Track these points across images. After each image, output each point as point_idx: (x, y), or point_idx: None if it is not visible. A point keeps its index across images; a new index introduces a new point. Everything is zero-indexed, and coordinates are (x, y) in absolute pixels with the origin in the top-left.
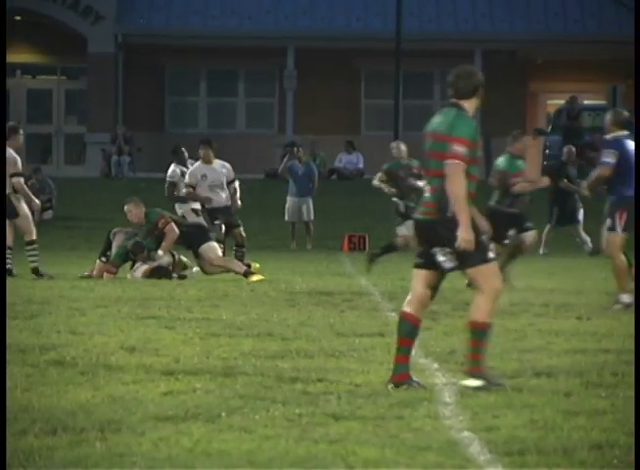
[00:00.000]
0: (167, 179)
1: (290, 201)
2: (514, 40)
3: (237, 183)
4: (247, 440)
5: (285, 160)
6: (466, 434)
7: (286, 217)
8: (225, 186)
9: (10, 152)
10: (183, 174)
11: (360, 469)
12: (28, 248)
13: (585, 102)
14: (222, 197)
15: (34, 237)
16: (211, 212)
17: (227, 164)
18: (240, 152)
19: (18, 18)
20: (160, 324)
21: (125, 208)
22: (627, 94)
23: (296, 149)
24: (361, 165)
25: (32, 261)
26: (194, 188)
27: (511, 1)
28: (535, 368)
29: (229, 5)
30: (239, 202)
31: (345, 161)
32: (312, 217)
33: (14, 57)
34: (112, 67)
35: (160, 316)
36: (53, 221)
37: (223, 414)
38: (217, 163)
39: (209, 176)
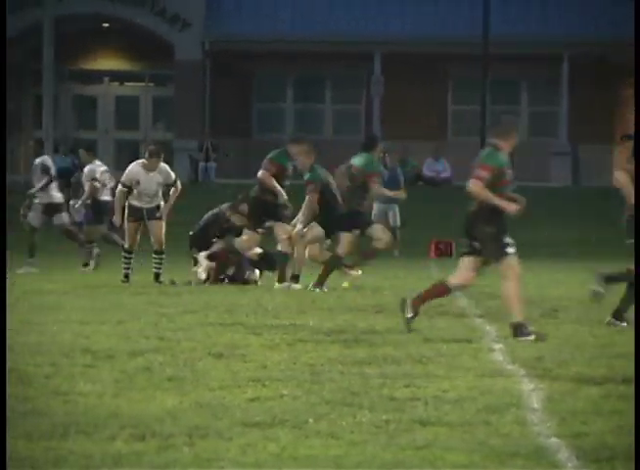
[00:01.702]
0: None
1: (376, 207)
2: (602, 43)
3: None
4: (334, 445)
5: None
6: (554, 440)
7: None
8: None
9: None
10: None
11: None
12: (155, 256)
13: None
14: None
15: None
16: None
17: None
18: (327, 158)
19: (105, 25)
20: (246, 330)
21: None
22: None
23: (381, 155)
24: (448, 173)
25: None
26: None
27: (598, 5)
28: (624, 374)
29: (316, 11)
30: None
31: (432, 168)
32: (399, 223)
33: (102, 64)
34: (199, 73)
35: (246, 323)
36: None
37: (310, 420)
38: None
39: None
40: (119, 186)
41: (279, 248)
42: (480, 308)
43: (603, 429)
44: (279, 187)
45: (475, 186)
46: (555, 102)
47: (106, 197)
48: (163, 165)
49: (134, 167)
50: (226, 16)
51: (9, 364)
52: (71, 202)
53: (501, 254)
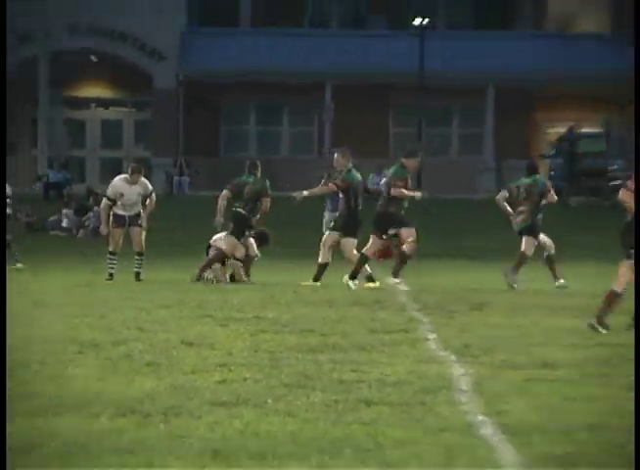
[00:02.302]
0: None
1: (326, 216)
2: (521, 77)
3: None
4: (290, 422)
5: (323, 181)
6: (480, 417)
7: (323, 229)
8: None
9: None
10: None
11: (389, 449)
12: (137, 257)
13: (583, 130)
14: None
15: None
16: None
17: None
18: (284, 174)
19: (93, 58)
20: (214, 322)
21: None
22: (620, 122)
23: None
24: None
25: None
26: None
27: (519, 43)
28: (541, 360)
29: (276, 47)
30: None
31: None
32: None
33: (89, 91)
34: (174, 100)
35: (214, 316)
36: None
37: (270, 400)
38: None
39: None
40: (104, 200)
41: (404, 249)
42: (417, 303)
43: (522, 408)
44: (409, 192)
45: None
46: (481, 125)
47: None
48: (143, 179)
49: (117, 182)
50: (197, 51)
51: (10, 356)
52: (64, 211)
53: None
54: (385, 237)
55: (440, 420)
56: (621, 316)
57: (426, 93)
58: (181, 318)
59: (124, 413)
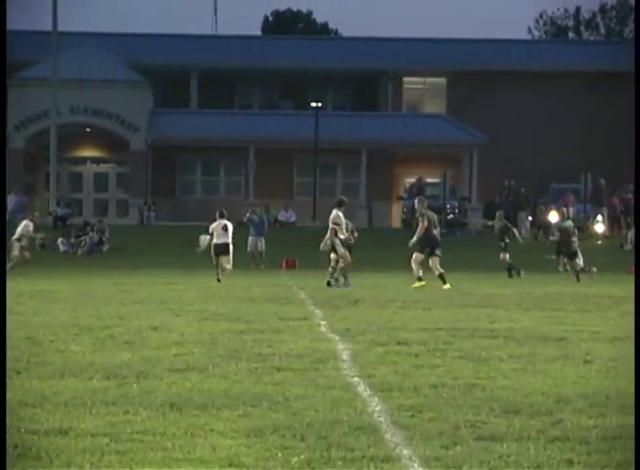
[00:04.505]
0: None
1: (250, 239)
2: (385, 143)
3: None
4: (224, 382)
5: (248, 214)
6: (356, 379)
7: (248, 249)
8: None
9: None
10: None
11: (293, 401)
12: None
13: (428, 180)
14: None
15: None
16: None
17: None
18: (221, 209)
19: (88, 129)
20: (172, 313)
21: None
22: (452, 175)
23: (254, 207)
24: (294, 219)
25: None
26: None
27: (383, 119)
28: (397, 339)
29: (216, 121)
30: None
31: (284, 215)
32: (264, 248)
33: (85, 152)
34: (144, 158)
35: (172, 308)
36: (108, 251)
37: (210, 367)
38: None
39: None
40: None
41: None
42: (312, 299)
43: (385, 372)
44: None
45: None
46: (357, 176)
47: None
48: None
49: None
50: (161, 124)
51: (24, 334)
52: (59, 239)
53: None
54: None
55: (329, 381)
56: (452, 307)
57: (319, 154)
58: (149, 310)
59: (109, 376)
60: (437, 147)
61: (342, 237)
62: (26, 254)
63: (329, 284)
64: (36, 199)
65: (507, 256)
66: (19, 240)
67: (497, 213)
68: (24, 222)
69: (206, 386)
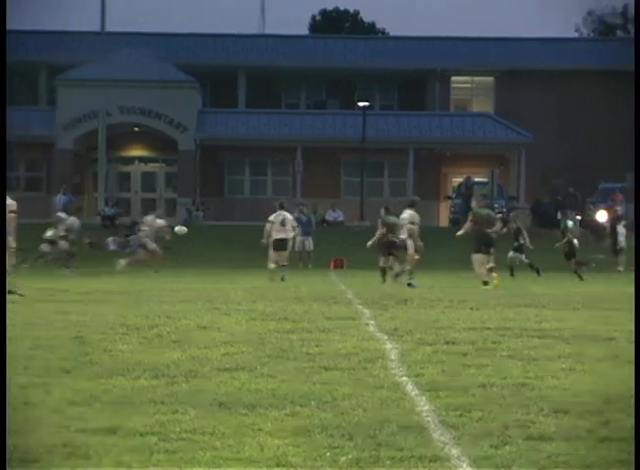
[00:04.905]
0: None
1: (298, 239)
2: (432, 142)
3: None
4: (272, 382)
5: (295, 214)
6: (404, 378)
7: (295, 249)
8: None
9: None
10: None
11: (340, 400)
12: None
13: (475, 179)
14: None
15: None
16: None
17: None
18: (270, 209)
19: (136, 129)
20: (220, 312)
21: None
22: (499, 175)
23: (301, 207)
24: (341, 218)
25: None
26: None
27: (430, 119)
28: (446, 338)
29: (263, 121)
30: None
31: (331, 215)
32: (312, 248)
33: (134, 152)
34: (192, 158)
35: (220, 308)
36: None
37: (258, 367)
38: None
39: None
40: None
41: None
42: (360, 299)
43: (432, 372)
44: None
45: None
46: (404, 176)
47: None
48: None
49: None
50: (209, 124)
51: (73, 334)
52: (110, 238)
53: None
54: None
55: (377, 380)
56: (500, 307)
57: (366, 153)
58: (197, 310)
59: (157, 376)
60: (485, 146)
61: (403, 237)
62: (74, 248)
63: (410, 285)
64: (84, 198)
65: (522, 256)
66: (64, 237)
67: (511, 215)
68: (72, 219)
69: (255, 385)
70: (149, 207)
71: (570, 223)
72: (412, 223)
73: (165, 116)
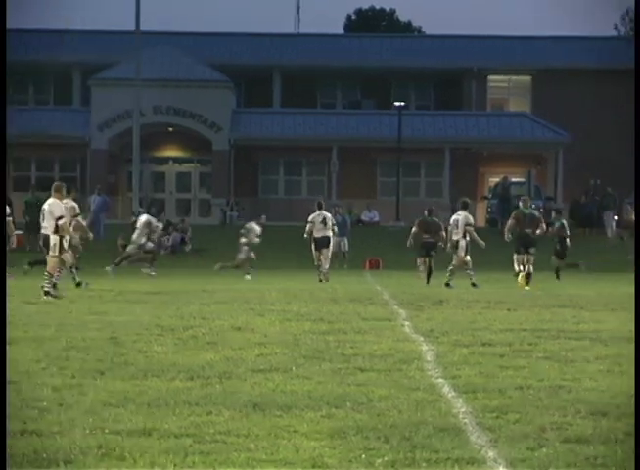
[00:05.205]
0: None
1: (334, 239)
2: (469, 142)
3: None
4: (307, 384)
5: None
6: (440, 380)
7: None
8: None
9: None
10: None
11: (376, 402)
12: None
13: (513, 179)
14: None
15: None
16: None
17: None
18: (304, 210)
19: (170, 129)
20: (255, 313)
21: None
22: (537, 175)
23: (337, 207)
24: (377, 219)
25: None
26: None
27: (466, 118)
28: (482, 340)
29: (298, 121)
30: None
31: (367, 215)
32: (348, 249)
33: (168, 152)
34: (227, 158)
35: (255, 308)
36: (190, 251)
37: (293, 368)
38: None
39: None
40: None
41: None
42: (396, 299)
43: (469, 373)
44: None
45: None
46: (440, 176)
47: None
48: None
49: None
50: (243, 123)
51: (107, 335)
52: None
53: None
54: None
55: (413, 382)
56: (536, 309)
57: (402, 153)
58: (231, 310)
59: (192, 377)
60: (522, 146)
61: (455, 238)
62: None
63: (447, 285)
64: (119, 199)
65: (563, 262)
66: (148, 237)
67: (553, 216)
68: (145, 218)
69: (290, 387)
70: (184, 207)
71: (564, 223)
72: (468, 225)
73: (199, 115)
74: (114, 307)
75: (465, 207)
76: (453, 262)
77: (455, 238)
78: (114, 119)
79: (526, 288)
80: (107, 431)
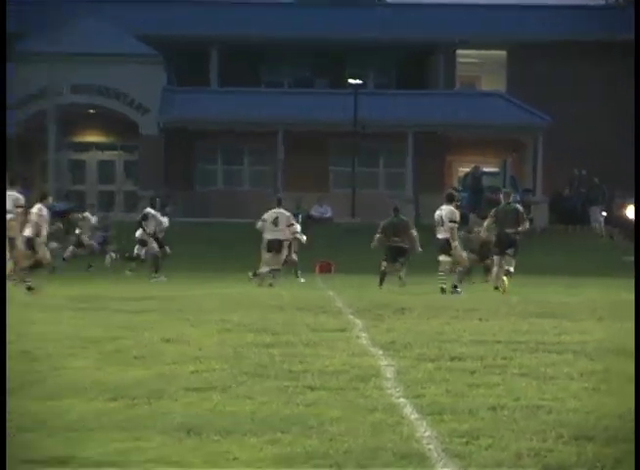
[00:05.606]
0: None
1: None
2: (435, 126)
3: None
4: (249, 404)
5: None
6: (401, 400)
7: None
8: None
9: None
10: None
11: (328, 425)
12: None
13: (485, 169)
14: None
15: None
16: None
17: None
18: (245, 203)
19: (92, 111)
20: (189, 323)
21: None
22: (512, 164)
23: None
24: (329, 214)
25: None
26: None
27: (432, 99)
28: (450, 354)
29: (239, 101)
30: None
31: (317, 210)
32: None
33: (89, 137)
34: (156, 144)
35: (189, 318)
36: (114, 252)
37: (233, 386)
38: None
39: None
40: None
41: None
42: (351, 308)
43: (435, 392)
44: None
45: None
46: (402, 165)
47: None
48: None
49: None
50: (174, 104)
51: (20, 348)
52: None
53: None
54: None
55: (370, 402)
56: (512, 317)
57: (358, 138)
58: (162, 320)
59: (116, 397)
60: (496, 130)
61: (440, 237)
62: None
63: (442, 291)
64: (32, 191)
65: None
66: (153, 235)
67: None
68: (148, 210)
69: (229, 408)
70: (106, 201)
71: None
72: (452, 221)
73: (125, 95)
74: (22, 316)
75: (450, 200)
76: (459, 268)
77: (440, 236)
78: (25, 100)
79: (500, 289)
80: (17, 460)
